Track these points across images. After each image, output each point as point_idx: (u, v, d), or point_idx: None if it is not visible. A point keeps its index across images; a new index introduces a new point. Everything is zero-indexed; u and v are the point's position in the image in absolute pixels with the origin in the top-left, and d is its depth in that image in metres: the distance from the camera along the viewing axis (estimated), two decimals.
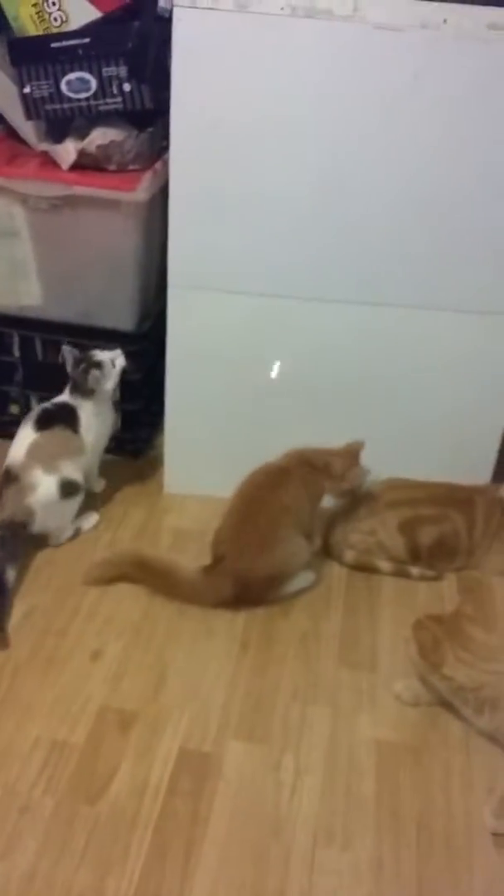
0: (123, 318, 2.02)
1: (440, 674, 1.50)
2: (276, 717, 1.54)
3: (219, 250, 1.81)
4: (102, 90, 1.83)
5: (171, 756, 1.44)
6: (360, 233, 1.78)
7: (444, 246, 1.78)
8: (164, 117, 1.74)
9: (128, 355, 1.91)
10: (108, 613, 1.72)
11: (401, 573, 1.90)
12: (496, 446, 2.01)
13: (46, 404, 1.93)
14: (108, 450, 2.11)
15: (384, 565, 1.90)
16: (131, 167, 1.88)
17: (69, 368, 1.89)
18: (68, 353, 1.88)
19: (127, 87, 1.81)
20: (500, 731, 1.49)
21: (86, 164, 1.86)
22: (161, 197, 1.84)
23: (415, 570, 1.90)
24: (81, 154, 1.85)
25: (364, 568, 1.91)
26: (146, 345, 2.06)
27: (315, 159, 1.71)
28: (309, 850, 1.31)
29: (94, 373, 1.86)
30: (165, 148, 1.78)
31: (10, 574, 1.74)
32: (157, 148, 1.90)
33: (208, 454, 1.97)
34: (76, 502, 1.90)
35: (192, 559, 1.79)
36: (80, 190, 1.85)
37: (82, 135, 1.87)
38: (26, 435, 1.86)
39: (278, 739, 1.49)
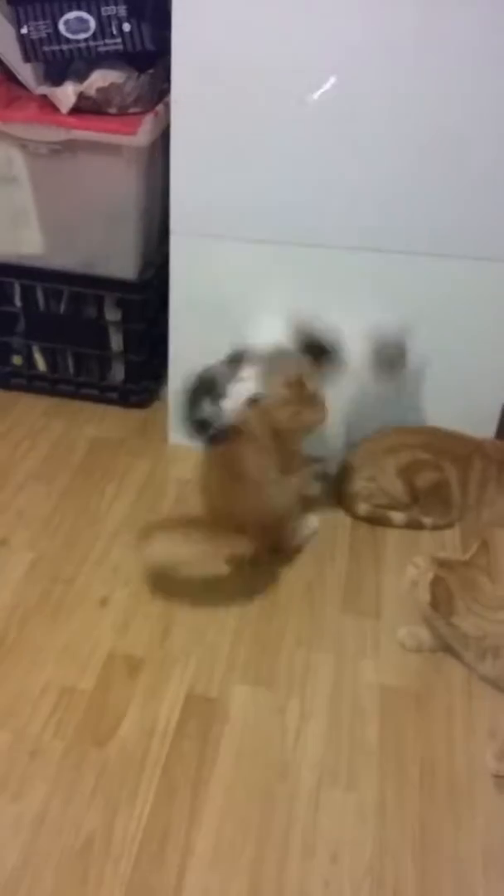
0: (126, 266, 2.00)
1: (447, 621, 1.51)
2: (281, 663, 1.56)
3: (222, 196, 1.77)
4: (101, 30, 1.78)
5: (179, 700, 1.47)
6: (367, 177, 1.74)
7: (452, 191, 1.74)
8: (164, 58, 1.69)
9: (130, 304, 1.89)
10: (115, 562, 1.74)
11: (413, 525, 1.91)
12: (501, 397, 2.00)
13: None
14: (112, 401, 2.10)
15: (397, 517, 1.91)
16: (132, 110, 1.84)
17: None
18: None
19: (127, 26, 1.77)
20: (502, 678, 1.51)
21: (85, 108, 1.82)
22: (163, 141, 1.81)
23: (427, 520, 1.91)
24: (81, 97, 1.81)
25: (377, 521, 1.92)
26: (149, 294, 2.04)
27: (321, 100, 1.67)
28: (313, 791, 1.34)
29: None
30: (167, 90, 1.74)
31: None
32: (158, 90, 1.86)
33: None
34: None
35: (196, 509, 1.79)
36: (79, 134, 1.81)
37: (82, 77, 1.83)
38: None
39: (283, 684, 1.52)
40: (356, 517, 1.93)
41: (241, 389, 1.81)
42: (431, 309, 1.89)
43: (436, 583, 1.52)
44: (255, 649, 1.56)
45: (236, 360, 1.80)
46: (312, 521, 1.87)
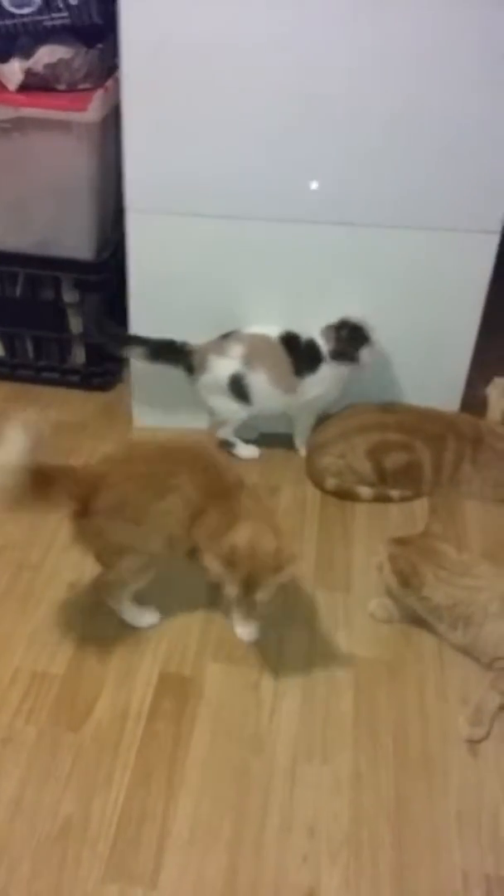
0: (81, 246, 1.97)
1: (419, 595, 1.52)
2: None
3: (177, 171, 1.75)
4: (47, 4, 1.74)
5: (152, 680, 1.46)
6: (324, 150, 1.72)
7: (414, 163, 1.74)
8: (114, 32, 1.66)
9: (88, 285, 1.86)
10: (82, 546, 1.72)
11: (381, 499, 1.91)
12: (465, 369, 2.01)
13: None
14: (74, 384, 2.07)
15: (364, 492, 1.91)
16: (81, 86, 1.81)
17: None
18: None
19: (73, 0, 1.72)
20: (473, 645, 1.52)
21: (34, 85, 1.79)
22: (114, 117, 1.77)
23: (395, 493, 1.92)
24: (28, 74, 1.77)
25: (345, 495, 1.92)
26: (107, 274, 2.01)
27: (276, 73, 1.64)
28: (289, 766, 1.34)
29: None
30: (117, 65, 1.70)
31: None
32: (108, 65, 1.82)
33: (177, 385, 1.94)
34: None
35: None
36: (28, 111, 1.78)
37: (28, 53, 1.79)
38: None
39: (257, 661, 1.52)
40: (325, 491, 1.93)
41: (224, 364, 1.83)
42: (396, 281, 1.89)
43: (393, 560, 1.53)
44: (227, 627, 1.55)
45: (226, 338, 1.86)
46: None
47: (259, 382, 1.86)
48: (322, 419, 2.00)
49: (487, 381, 2.02)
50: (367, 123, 1.69)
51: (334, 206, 1.79)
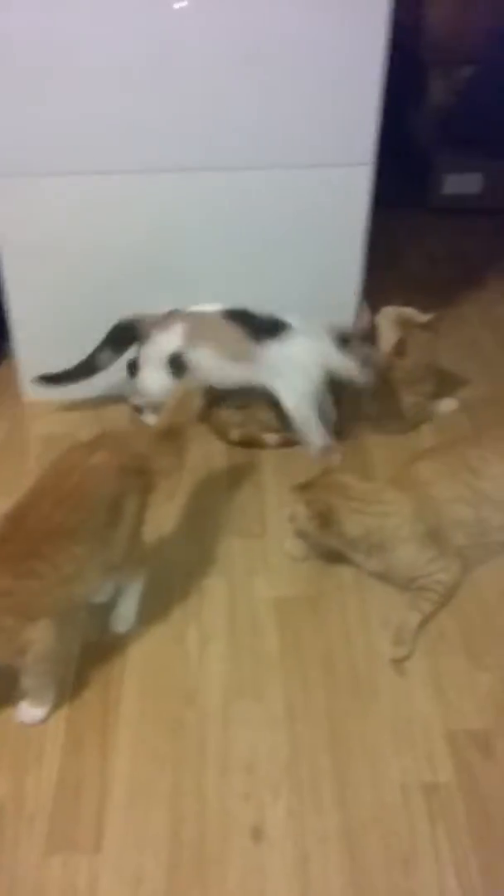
0: None
1: (339, 531, 1.52)
2: (174, 596, 1.54)
3: (30, 130, 1.68)
4: None
5: (73, 652, 1.43)
6: (180, 95, 1.68)
7: (274, 102, 1.72)
8: None
9: None
10: None
11: (287, 443, 1.91)
12: (355, 302, 2.01)
13: None
14: None
15: (270, 438, 1.91)
16: None
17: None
18: None
19: None
20: (389, 570, 1.54)
21: None
22: None
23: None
24: None
25: (250, 444, 1.91)
26: None
27: (119, 18, 1.59)
28: (221, 709, 1.34)
29: None
30: None
31: None
32: None
33: (63, 352, 1.88)
34: None
35: None
36: None
37: None
38: None
39: (179, 615, 1.50)
40: (230, 443, 1.91)
41: (166, 340, 1.79)
42: (277, 222, 1.88)
43: (310, 505, 1.53)
44: (145, 587, 1.53)
45: (169, 316, 1.81)
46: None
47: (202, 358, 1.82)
48: None
49: (377, 312, 2.03)
50: (222, 64, 1.66)
51: (201, 152, 1.76)
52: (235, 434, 1.91)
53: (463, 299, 2.50)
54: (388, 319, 1.98)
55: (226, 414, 1.92)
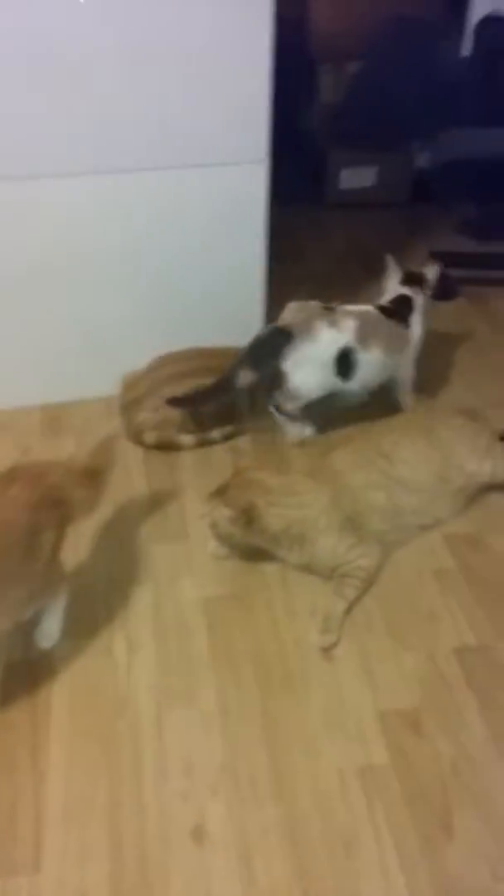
0: None
1: (261, 528, 1.52)
2: (98, 607, 1.52)
3: None
4: None
5: None
6: (61, 98, 1.65)
7: (163, 102, 1.70)
8: None
9: None
10: None
11: (203, 443, 1.91)
12: (261, 299, 2.02)
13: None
14: None
15: (185, 440, 1.90)
16: None
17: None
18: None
19: None
20: (312, 561, 1.55)
21: None
22: None
23: (215, 433, 1.92)
24: None
25: (166, 446, 1.90)
26: None
27: (1, 20, 1.56)
28: (155, 716, 1.33)
29: None
30: None
31: None
32: None
33: None
34: None
35: None
36: None
37: None
38: None
39: (105, 626, 1.48)
40: (146, 447, 1.90)
41: (334, 337, 1.80)
42: (176, 224, 1.87)
43: (231, 505, 1.51)
44: (69, 600, 1.50)
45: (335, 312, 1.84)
46: None
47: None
48: (135, 377, 1.95)
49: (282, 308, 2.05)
50: (107, 62, 1.64)
51: (90, 155, 1.73)
52: (151, 438, 1.90)
53: (365, 291, 2.54)
54: (292, 314, 2.00)
55: (140, 418, 1.90)
